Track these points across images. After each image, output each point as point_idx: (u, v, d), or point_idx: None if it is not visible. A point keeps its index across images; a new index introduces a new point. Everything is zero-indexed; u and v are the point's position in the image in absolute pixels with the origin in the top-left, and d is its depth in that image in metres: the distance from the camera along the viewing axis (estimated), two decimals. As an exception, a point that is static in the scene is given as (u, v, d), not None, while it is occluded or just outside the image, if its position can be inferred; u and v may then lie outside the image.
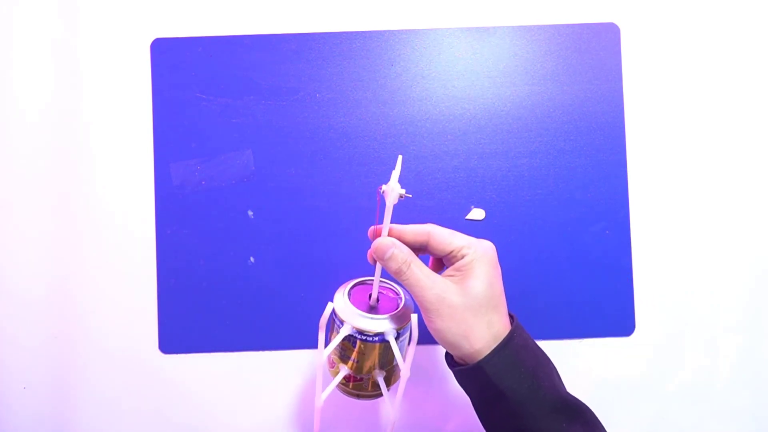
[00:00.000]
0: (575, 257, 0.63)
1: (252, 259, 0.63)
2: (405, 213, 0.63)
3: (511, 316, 0.47)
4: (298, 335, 0.63)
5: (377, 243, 0.45)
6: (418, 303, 0.45)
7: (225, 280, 0.63)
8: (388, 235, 0.46)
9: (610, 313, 0.63)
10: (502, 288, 0.46)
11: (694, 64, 0.64)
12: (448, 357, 0.49)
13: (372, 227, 0.48)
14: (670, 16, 0.64)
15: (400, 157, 0.46)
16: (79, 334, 0.63)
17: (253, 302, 0.63)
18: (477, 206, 0.63)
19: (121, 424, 0.62)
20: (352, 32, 0.64)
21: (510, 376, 0.43)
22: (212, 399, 0.63)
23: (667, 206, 0.64)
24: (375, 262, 0.47)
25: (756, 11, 0.64)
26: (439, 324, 0.44)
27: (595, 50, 0.64)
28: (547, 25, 0.64)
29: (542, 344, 0.62)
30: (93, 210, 0.63)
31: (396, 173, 0.43)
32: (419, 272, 0.45)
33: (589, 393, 0.63)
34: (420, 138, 0.63)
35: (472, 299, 0.43)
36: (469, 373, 0.44)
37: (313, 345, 0.63)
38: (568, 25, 0.64)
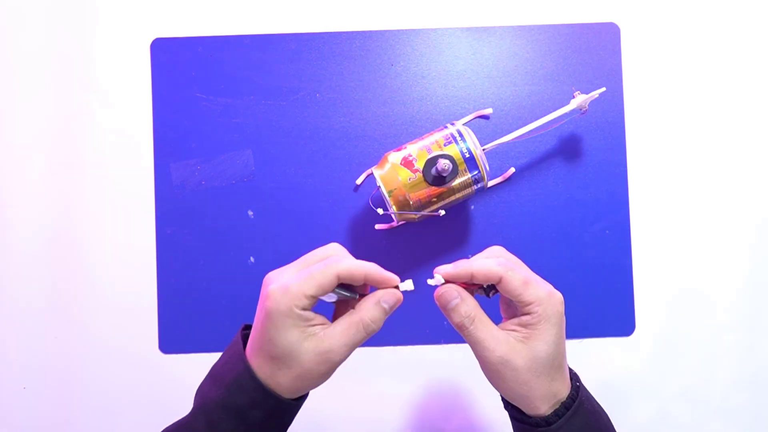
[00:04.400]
0: (575, 257, 0.63)
1: (252, 259, 0.63)
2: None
3: (573, 375, 0.45)
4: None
5: (440, 291, 0.42)
6: (477, 360, 0.42)
7: (225, 280, 0.63)
8: (458, 269, 0.41)
9: (610, 313, 0.63)
10: (565, 344, 0.43)
11: (694, 64, 0.64)
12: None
13: (441, 267, 0.43)
14: (670, 16, 0.64)
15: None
16: (79, 334, 0.63)
17: (253, 302, 0.62)
18: (476, 205, 0.63)
19: (121, 424, 0.62)
20: (352, 32, 0.64)
21: None
22: (212, 399, 0.63)
23: (667, 206, 0.64)
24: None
25: (756, 11, 0.64)
26: (498, 384, 0.42)
27: (595, 50, 0.64)
28: (547, 25, 0.64)
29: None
30: (93, 210, 0.63)
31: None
32: (483, 331, 0.41)
33: (589, 393, 0.63)
34: (420, 138, 0.63)
35: (536, 362, 0.40)
36: None
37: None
38: (568, 25, 0.64)
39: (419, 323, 0.63)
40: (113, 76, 0.64)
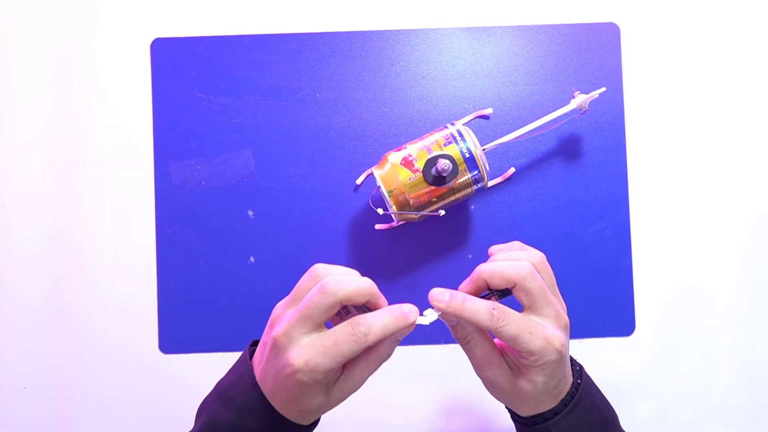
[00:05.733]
0: (575, 257, 0.63)
1: (252, 259, 0.63)
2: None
3: (576, 367, 0.45)
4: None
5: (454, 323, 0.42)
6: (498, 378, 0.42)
7: (225, 280, 0.63)
8: (451, 308, 0.40)
9: (610, 313, 0.63)
10: (565, 364, 0.42)
11: (694, 64, 0.64)
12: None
13: (436, 294, 0.41)
14: (670, 16, 0.64)
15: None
16: (79, 334, 0.63)
17: (253, 302, 0.63)
18: (476, 205, 0.63)
19: (121, 424, 0.62)
20: (352, 32, 0.64)
21: None
22: (212, 399, 0.63)
23: (667, 206, 0.64)
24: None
25: (756, 11, 0.64)
26: (515, 404, 0.43)
27: (595, 50, 0.64)
28: (547, 25, 0.64)
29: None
30: (93, 210, 0.63)
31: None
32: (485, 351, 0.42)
33: (589, 393, 0.63)
34: (420, 138, 0.63)
35: (537, 390, 0.41)
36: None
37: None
38: (568, 25, 0.64)
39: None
40: (113, 76, 0.64)
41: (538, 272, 0.42)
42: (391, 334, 0.39)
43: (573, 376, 0.44)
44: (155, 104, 0.64)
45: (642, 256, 0.63)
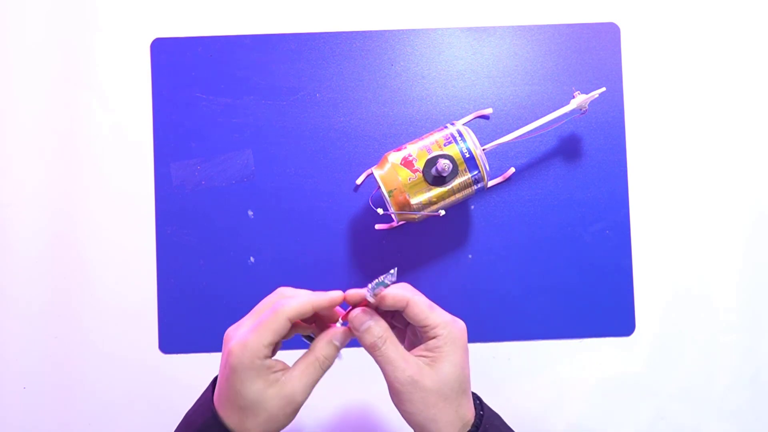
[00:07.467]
0: (575, 257, 0.63)
1: (252, 259, 0.63)
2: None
3: (476, 398, 0.46)
4: (297, 335, 0.62)
5: (354, 314, 0.44)
6: (388, 383, 0.43)
7: (225, 280, 0.63)
8: (365, 297, 0.43)
9: (610, 313, 0.63)
10: (469, 371, 0.45)
11: (694, 64, 0.64)
12: None
13: (350, 291, 0.44)
14: (670, 16, 0.64)
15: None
16: (79, 334, 0.63)
17: (253, 302, 0.62)
18: (476, 205, 0.63)
19: (121, 423, 0.62)
20: (352, 32, 0.64)
21: None
22: (212, 399, 0.63)
23: (667, 206, 0.64)
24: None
25: (756, 11, 0.64)
26: (409, 407, 0.43)
27: (595, 50, 0.64)
28: (547, 25, 0.64)
29: (542, 344, 0.63)
30: (93, 210, 0.63)
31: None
32: (394, 351, 0.43)
33: (589, 393, 0.63)
34: (420, 138, 0.63)
35: (443, 384, 0.42)
36: None
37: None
38: (568, 25, 0.64)
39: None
40: (113, 76, 0.64)
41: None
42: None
43: (475, 407, 0.45)
44: (155, 104, 0.64)
45: (642, 256, 0.63)
